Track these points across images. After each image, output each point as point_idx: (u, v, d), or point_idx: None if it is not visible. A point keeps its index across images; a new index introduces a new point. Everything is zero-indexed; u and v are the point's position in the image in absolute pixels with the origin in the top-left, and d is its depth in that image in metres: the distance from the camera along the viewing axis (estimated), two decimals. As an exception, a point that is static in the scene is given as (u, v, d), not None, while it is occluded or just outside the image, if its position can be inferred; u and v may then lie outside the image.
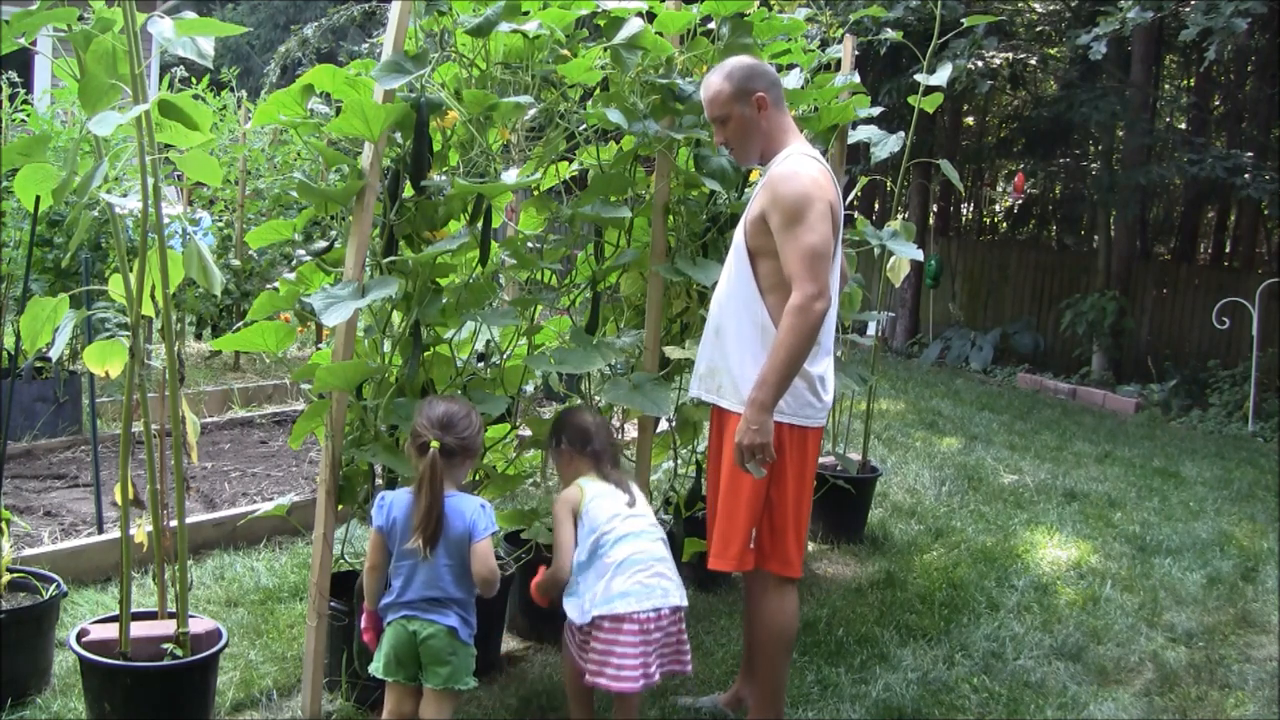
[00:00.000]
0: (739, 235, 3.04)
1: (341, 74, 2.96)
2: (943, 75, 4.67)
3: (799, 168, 2.92)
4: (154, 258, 2.74)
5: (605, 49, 3.45)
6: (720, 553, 3.01)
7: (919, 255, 4.54)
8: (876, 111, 4.50)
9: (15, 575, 3.18)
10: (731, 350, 2.99)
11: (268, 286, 4.02)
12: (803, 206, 2.82)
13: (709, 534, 3.09)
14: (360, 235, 2.92)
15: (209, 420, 6.20)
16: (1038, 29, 12.25)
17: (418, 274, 3.08)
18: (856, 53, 4.66)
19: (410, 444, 2.73)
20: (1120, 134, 11.27)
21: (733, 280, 3.03)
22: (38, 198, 2.99)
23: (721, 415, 3.06)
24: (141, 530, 2.97)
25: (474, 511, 2.66)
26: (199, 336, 8.21)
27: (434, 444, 2.62)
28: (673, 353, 3.73)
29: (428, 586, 2.64)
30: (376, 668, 2.69)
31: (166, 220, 2.83)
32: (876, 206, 14.30)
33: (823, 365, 3.01)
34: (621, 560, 2.77)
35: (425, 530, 2.60)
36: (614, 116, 3.39)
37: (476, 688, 2.83)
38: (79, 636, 2.82)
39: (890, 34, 5.14)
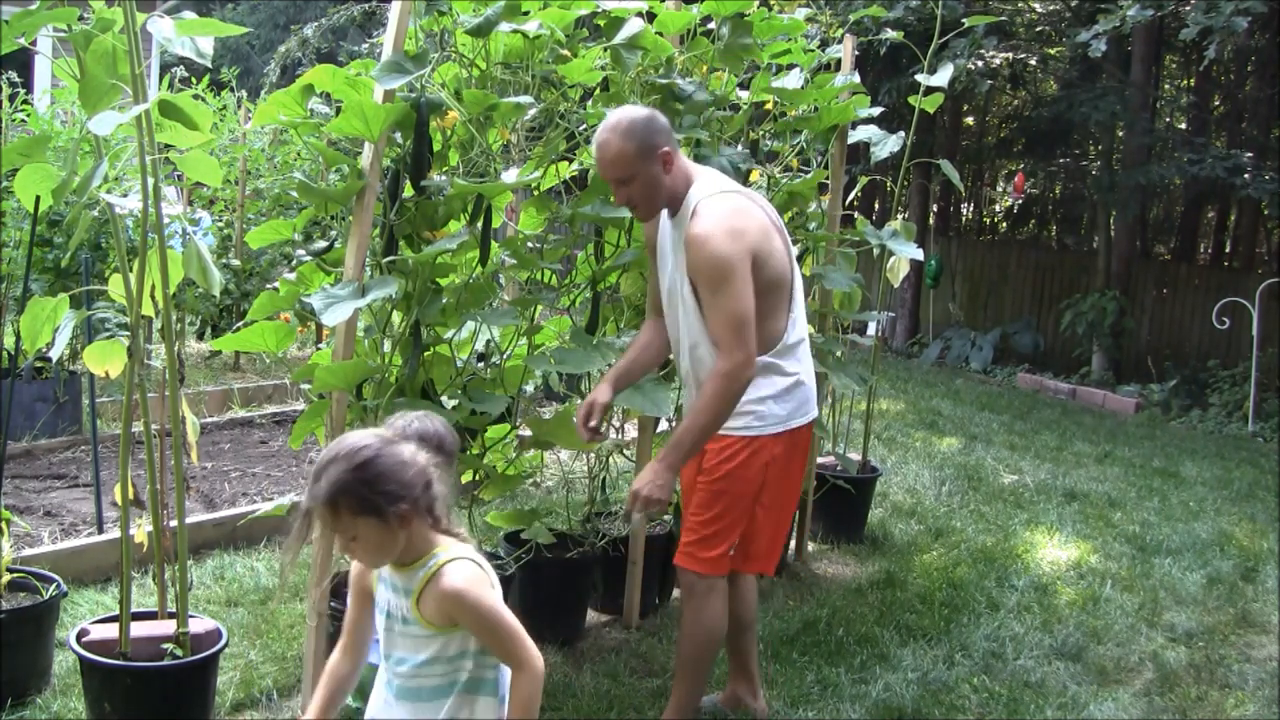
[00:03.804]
0: (684, 284, 2.92)
1: (341, 74, 2.96)
2: (943, 75, 4.66)
3: (709, 224, 2.78)
4: (154, 258, 2.74)
5: (605, 49, 3.45)
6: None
7: (919, 255, 4.54)
8: (876, 111, 4.50)
9: (15, 575, 3.18)
10: None
11: (268, 286, 4.02)
12: (723, 273, 2.74)
13: (701, 537, 3.03)
14: (360, 235, 2.92)
15: (209, 420, 6.20)
16: (1038, 29, 12.24)
17: (418, 274, 3.08)
18: (856, 53, 4.66)
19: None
20: (1120, 134, 11.26)
21: (694, 330, 2.94)
22: (38, 198, 2.99)
23: (754, 441, 2.97)
24: (141, 530, 2.97)
25: None
26: (200, 337, 8.20)
27: None
28: (673, 353, 3.72)
29: None
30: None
31: (166, 220, 2.83)
32: (876, 206, 14.28)
33: (794, 364, 2.99)
34: None
35: None
36: (614, 116, 3.39)
37: None
38: (79, 636, 2.83)
39: (890, 34, 5.13)
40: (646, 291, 3.27)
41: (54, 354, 3.05)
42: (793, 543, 4.66)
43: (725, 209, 2.83)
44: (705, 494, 2.98)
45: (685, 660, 3.06)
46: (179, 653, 2.79)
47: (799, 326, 3.00)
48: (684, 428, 2.83)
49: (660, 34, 3.54)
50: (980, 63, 9.98)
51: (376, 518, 1.84)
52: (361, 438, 1.89)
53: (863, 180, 5.83)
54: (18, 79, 6.81)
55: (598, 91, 3.68)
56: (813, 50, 4.40)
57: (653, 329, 3.16)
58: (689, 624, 3.03)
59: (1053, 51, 12.34)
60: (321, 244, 3.31)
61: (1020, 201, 15.05)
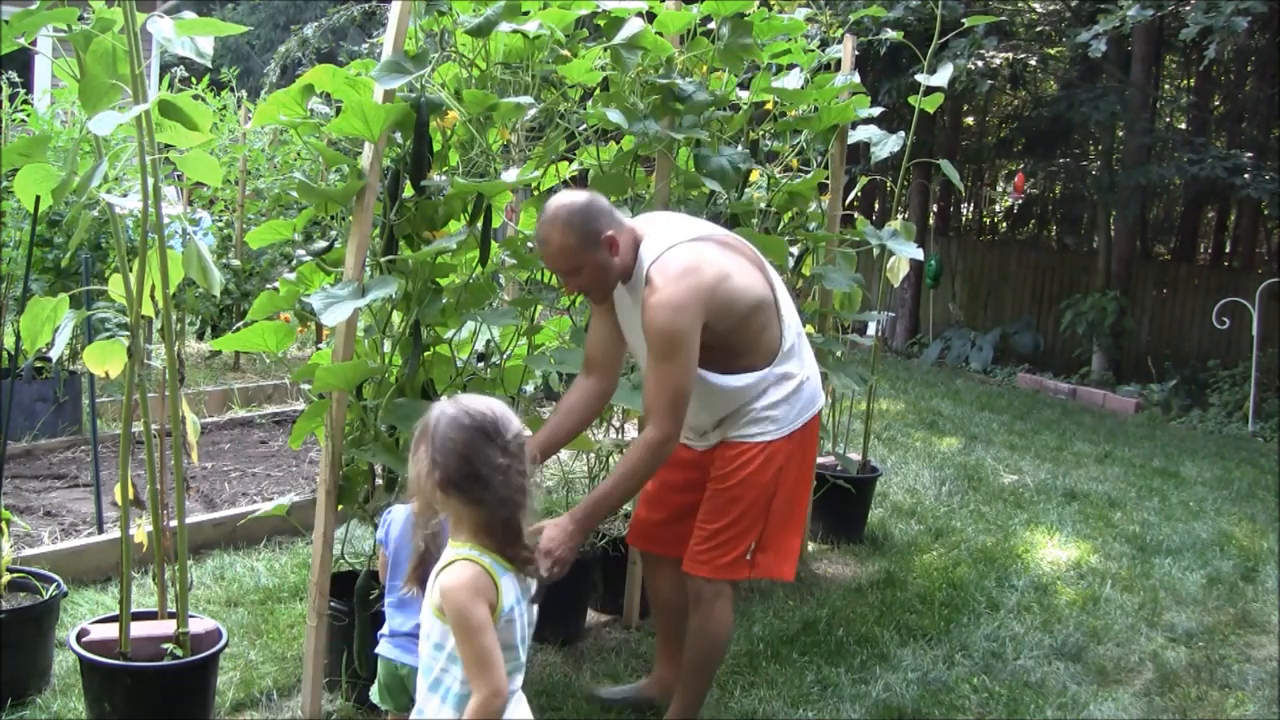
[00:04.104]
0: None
1: (341, 74, 2.96)
2: (943, 75, 4.66)
3: (662, 296, 2.72)
4: (154, 258, 2.74)
5: (605, 49, 3.45)
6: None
7: (919, 255, 4.54)
8: (876, 111, 4.50)
9: (15, 575, 3.18)
10: (734, 409, 2.96)
11: (268, 286, 4.02)
12: (671, 346, 2.72)
13: (717, 544, 2.99)
14: (360, 235, 2.92)
15: (209, 420, 6.20)
16: (1038, 29, 12.24)
17: (418, 274, 3.08)
18: (856, 53, 4.65)
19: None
20: (1120, 134, 11.26)
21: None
22: (38, 198, 2.99)
23: (769, 446, 2.99)
24: (141, 530, 2.97)
25: None
26: (200, 337, 8.20)
27: None
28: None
29: (416, 616, 2.45)
30: (373, 692, 2.61)
31: (166, 220, 2.83)
32: (876, 206, 14.28)
33: (797, 365, 2.99)
34: None
35: (418, 574, 2.39)
36: (614, 116, 3.39)
37: None
38: (79, 636, 2.82)
39: (890, 34, 5.13)
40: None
41: (54, 354, 3.04)
42: (793, 543, 4.66)
43: (676, 269, 2.75)
44: (720, 500, 2.97)
45: (690, 665, 3.05)
46: (179, 653, 2.79)
47: (792, 328, 3.00)
48: (604, 492, 2.76)
49: (660, 34, 3.54)
50: (980, 63, 9.97)
51: (427, 461, 1.97)
52: (493, 412, 1.99)
53: (863, 180, 5.83)
54: (18, 79, 6.80)
55: (598, 91, 3.68)
56: (813, 50, 4.40)
57: (581, 390, 3.01)
58: (696, 630, 3.03)
59: (1053, 51, 12.33)
60: (321, 244, 3.31)
61: (1020, 201, 15.05)
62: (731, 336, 2.84)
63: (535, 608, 2.14)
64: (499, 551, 2.00)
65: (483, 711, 1.91)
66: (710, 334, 2.79)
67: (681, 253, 2.80)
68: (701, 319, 2.75)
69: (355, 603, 3.00)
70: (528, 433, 2.08)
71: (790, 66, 4.31)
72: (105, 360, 2.91)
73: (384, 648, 2.58)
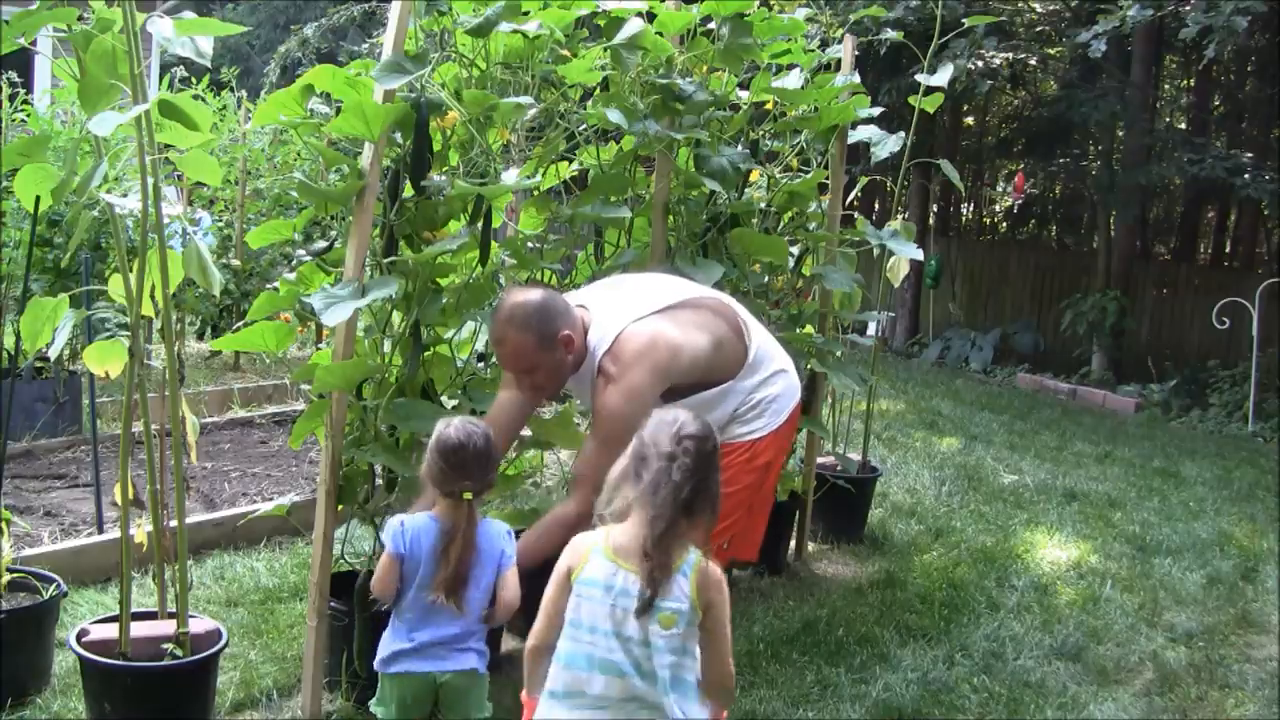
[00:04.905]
0: None
1: (341, 74, 2.96)
2: (943, 75, 4.66)
3: (618, 384, 2.71)
4: (154, 258, 2.74)
5: (605, 49, 3.45)
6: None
7: (919, 255, 4.53)
8: (876, 111, 4.49)
9: (15, 575, 3.18)
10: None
11: (268, 286, 4.03)
12: (618, 433, 2.63)
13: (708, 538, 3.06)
14: (360, 235, 2.92)
15: (209, 420, 6.19)
16: (1038, 29, 12.24)
17: (418, 274, 3.08)
18: (856, 53, 4.65)
19: (432, 485, 2.50)
20: (1120, 134, 11.27)
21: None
22: (38, 198, 2.99)
23: (756, 444, 3.06)
24: (141, 530, 2.97)
25: (501, 538, 2.54)
26: (200, 337, 8.20)
27: (466, 495, 2.43)
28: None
29: (448, 624, 2.49)
30: (382, 712, 2.53)
31: (166, 220, 2.83)
32: (876, 206, 14.29)
33: (771, 364, 3.07)
34: None
35: (451, 584, 2.44)
36: (614, 116, 3.39)
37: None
38: (79, 636, 2.82)
39: (890, 34, 5.13)
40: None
41: (53, 354, 3.05)
42: (793, 543, 4.66)
43: (629, 355, 2.75)
44: None
45: None
46: (179, 653, 2.79)
47: (755, 334, 3.06)
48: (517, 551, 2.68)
49: (660, 34, 3.54)
50: (980, 63, 9.97)
51: None
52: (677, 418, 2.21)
53: (863, 180, 5.82)
54: (18, 79, 6.80)
55: (598, 91, 3.68)
56: (813, 50, 4.40)
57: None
58: None
59: (1053, 51, 12.33)
60: (321, 244, 3.31)
61: (1020, 201, 15.05)
62: (701, 380, 2.91)
63: (647, 625, 2.12)
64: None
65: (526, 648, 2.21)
66: (678, 386, 2.84)
67: (632, 337, 2.79)
68: (657, 397, 2.77)
69: (355, 603, 3.00)
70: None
71: (790, 66, 4.31)
72: (105, 360, 2.91)
73: (410, 663, 2.50)
